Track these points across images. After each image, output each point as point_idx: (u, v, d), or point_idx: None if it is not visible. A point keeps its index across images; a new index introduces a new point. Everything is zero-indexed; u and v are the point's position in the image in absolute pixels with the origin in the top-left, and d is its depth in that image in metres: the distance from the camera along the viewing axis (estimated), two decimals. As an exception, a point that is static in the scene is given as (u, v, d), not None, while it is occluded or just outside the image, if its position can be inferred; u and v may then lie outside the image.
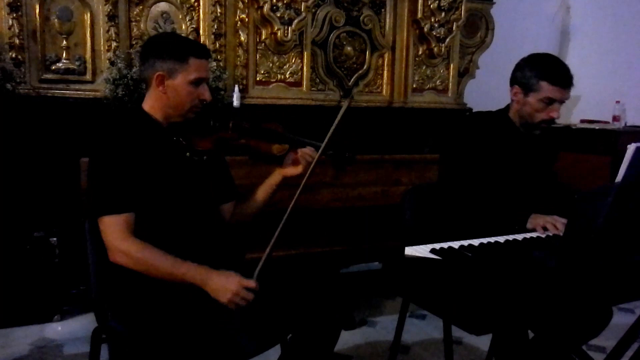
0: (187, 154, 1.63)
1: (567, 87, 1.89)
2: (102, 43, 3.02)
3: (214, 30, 3.21)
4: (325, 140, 1.55)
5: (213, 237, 1.65)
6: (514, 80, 1.96)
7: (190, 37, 3.11)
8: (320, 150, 1.56)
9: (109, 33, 3.01)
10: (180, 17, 3.20)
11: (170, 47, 1.60)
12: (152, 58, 1.60)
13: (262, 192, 1.78)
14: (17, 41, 2.82)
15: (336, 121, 1.52)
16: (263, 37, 3.34)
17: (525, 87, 1.91)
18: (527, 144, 2.00)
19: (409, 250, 1.46)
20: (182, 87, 1.59)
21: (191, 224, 1.61)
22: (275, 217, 1.71)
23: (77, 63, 2.98)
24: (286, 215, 1.48)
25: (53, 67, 2.94)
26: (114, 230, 1.48)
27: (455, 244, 1.50)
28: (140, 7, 3.10)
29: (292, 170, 1.71)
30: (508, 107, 2.02)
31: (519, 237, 1.66)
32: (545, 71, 1.88)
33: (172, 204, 1.58)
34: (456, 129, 2.06)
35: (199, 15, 3.22)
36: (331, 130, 1.53)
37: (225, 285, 1.45)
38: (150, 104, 1.64)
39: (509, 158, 1.97)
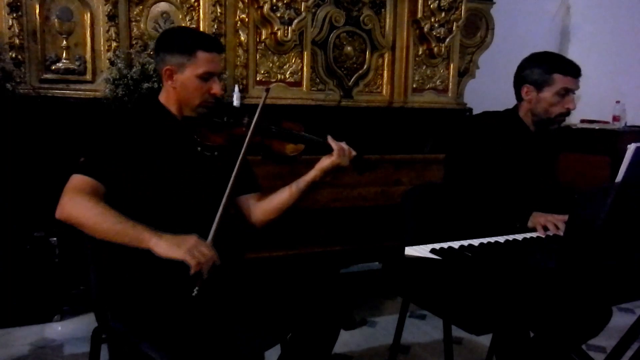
0: (199, 148, 1.62)
1: (578, 76, 1.91)
2: (102, 43, 3.02)
3: (214, 30, 3.20)
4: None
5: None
6: (522, 80, 1.95)
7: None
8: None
9: (109, 33, 3.01)
10: (180, 17, 3.20)
11: (178, 41, 1.60)
12: (162, 52, 1.61)
13: (292, 189, 1.68)
14: (17, 41, 2.82)
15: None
16: (263, 37, 3.34)
17: (537, 84, 1.91)
18: (537, 144, 2.01)
19: (409, 250, 1.46)
20: (191, 81, 1.59)
21: (193, 217, 1.59)
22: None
23: (77, 63, 2.98)
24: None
25: (53, 67, 2.94)
26: (70, 186, 1.47)
27: (455, 244, 1.50)
28: (140, 7, 3.11)
29: (326, 162, 1.63)
30: (516, 107, 2.02)
31: (519, 237, 1.66)
32: (554, 64, 1.90)
33: (173, 196, 1.56)
34: (465, 128, 2.06)
35: (199, 15, 3.23)
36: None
37: (183, 238, 1.37)
38: (165, 96, 1.65)
39: (518, 158, 1.97)
